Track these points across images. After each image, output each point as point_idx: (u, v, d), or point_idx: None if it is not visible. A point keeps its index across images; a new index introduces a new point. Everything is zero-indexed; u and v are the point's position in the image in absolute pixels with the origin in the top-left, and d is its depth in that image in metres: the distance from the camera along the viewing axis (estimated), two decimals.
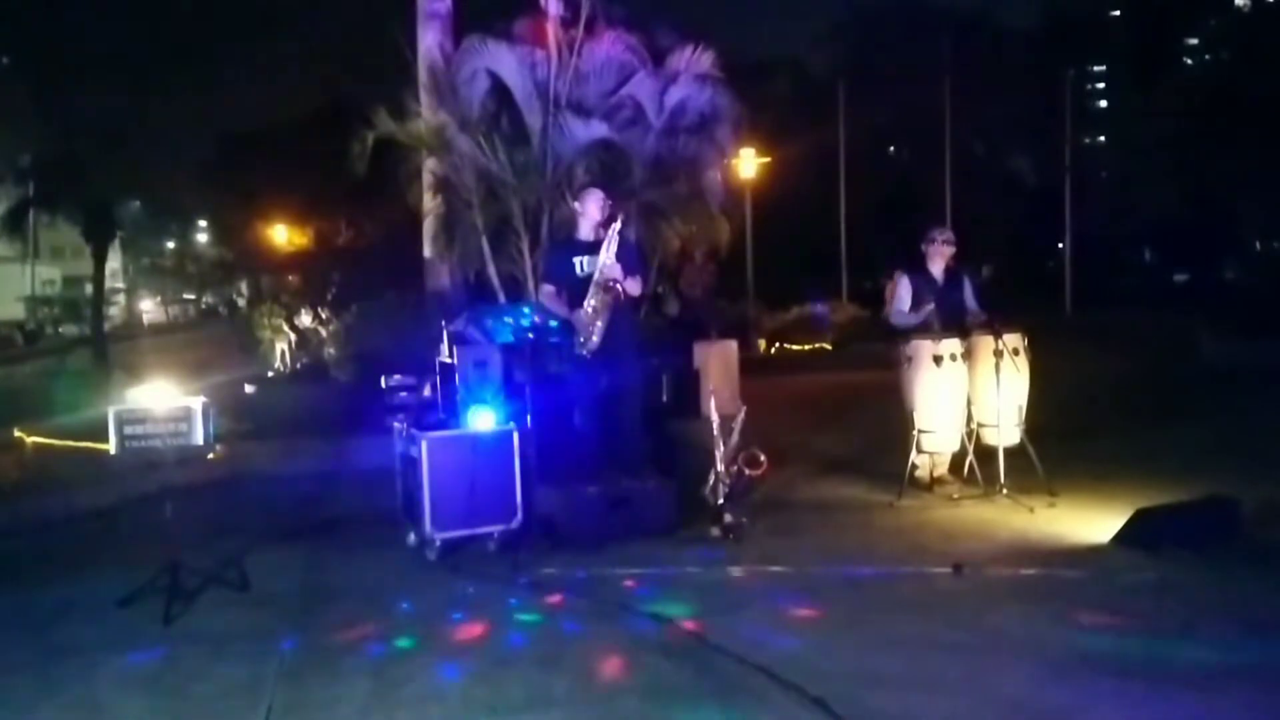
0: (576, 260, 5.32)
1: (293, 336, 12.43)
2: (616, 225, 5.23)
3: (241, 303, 34.58)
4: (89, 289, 25.97)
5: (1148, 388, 10.56)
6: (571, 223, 5.88)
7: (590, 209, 5.39)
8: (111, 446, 4.37)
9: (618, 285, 5.16)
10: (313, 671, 3.52)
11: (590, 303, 5.17)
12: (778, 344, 16.47)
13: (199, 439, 4.41)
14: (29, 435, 8.08)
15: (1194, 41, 33.20)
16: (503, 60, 7.77)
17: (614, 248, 5.17)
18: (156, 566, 4.28)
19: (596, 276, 5.17)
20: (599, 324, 5.17)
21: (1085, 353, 13.22)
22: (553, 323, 5.42)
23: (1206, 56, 30.99)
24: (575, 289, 5.28)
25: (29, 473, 7.25)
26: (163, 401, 4.42)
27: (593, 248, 5.28)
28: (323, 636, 3.87)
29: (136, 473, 6.12)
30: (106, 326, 22.00)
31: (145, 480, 5.99)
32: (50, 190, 19.31)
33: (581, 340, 5.20)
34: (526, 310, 5.13)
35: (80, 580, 4.74)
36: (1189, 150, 22.68)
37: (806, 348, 16.21)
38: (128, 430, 4.35)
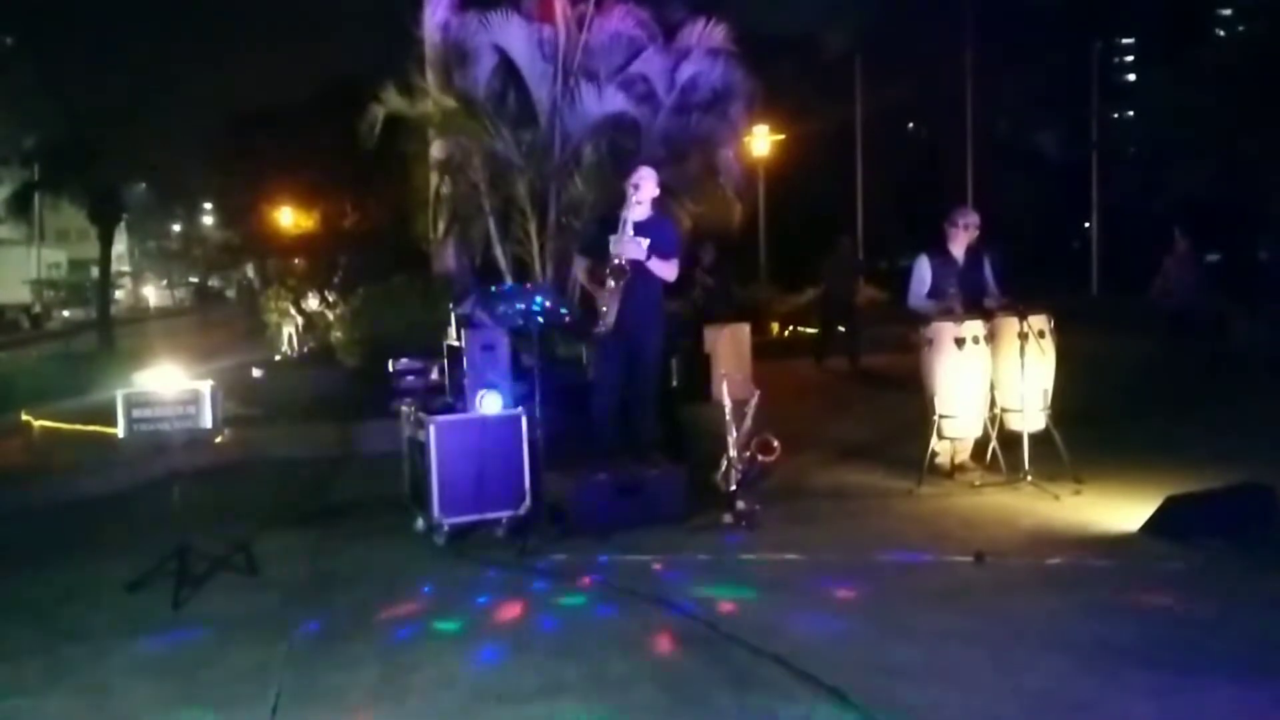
0: (611, 238, 5.27)
1: (299, 320, 12.36)
2: (629, 202, 5.17)
3: (229, 292, 33.65)
4: (95, 272, 25.95)
5: (1177, 371, 10.31)
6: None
7: (629, 186, 5.32)
8: (119, 430, 4.33)
9: (620, 263, 5.09)
10: (322, 657, 3.49)
11: (608, 281, 5.13)
12: (791, 327, 16.30)
13: (207, 422, 4.37)
14: (36, 419, 8.06)
15: (1227, 12, 32.25)
16: (510, 35, 7.65)
17: (629, 227, 5.12)
18: (165, 551, 4.25)
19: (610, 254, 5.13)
20: (613, 304, 5.12)
21: (1113, 335, 12.94)
22: (562, 306, 5.38)
23: (1240, 28, 30.03)
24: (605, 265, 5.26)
25: (36, 457, 7.23)
26: (170, 385, 4.37)
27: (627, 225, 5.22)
28: (331, 622, 3.83)
29: (144, 456, 6.08)
30: (112, 310, 21.94)
31: (153, 464, 5.95)
32: (56, 172, 19.16)
33: (600, 321, 5.16)
34: (539, 299, 5.03)
35: (88, 565, 4.71)
36: (1221, 124, 21.82)
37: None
38: (136, 414, 4.30)
